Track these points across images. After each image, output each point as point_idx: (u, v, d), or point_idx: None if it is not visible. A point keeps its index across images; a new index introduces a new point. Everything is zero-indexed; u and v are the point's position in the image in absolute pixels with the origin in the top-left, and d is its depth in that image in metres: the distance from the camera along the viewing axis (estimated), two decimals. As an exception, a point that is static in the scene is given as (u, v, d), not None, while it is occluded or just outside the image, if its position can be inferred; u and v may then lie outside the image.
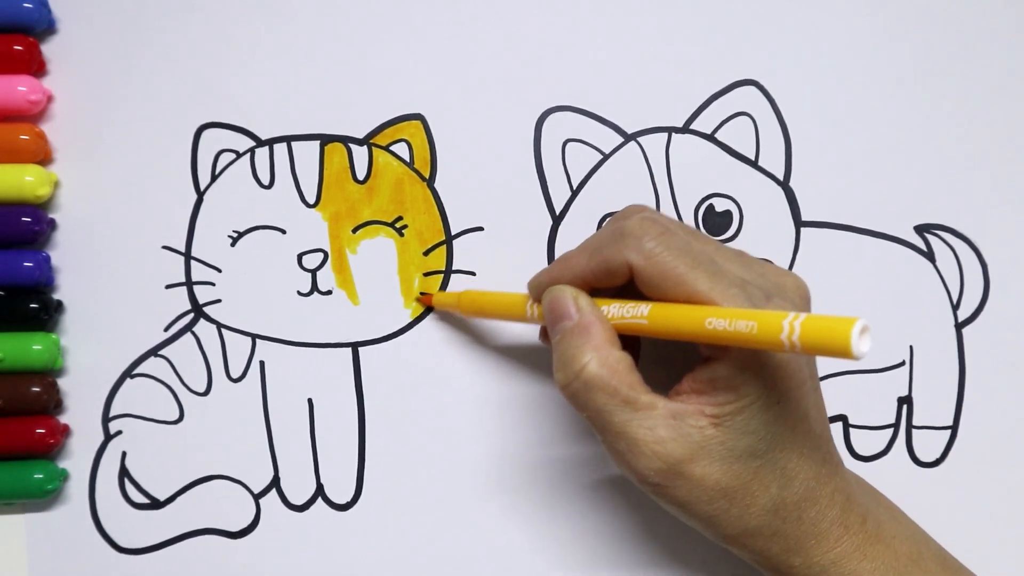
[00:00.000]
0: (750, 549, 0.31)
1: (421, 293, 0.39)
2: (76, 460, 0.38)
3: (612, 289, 0.32)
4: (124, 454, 0.38)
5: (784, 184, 0.39)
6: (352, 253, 0.38)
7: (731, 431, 0.29)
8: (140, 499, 0.38)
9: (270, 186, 0.39)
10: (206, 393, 0.38)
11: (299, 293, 0.38)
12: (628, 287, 0.31)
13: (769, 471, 0.30)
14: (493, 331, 0.39)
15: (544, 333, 0.36)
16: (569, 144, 0.39)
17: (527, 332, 0.39)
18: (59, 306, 0.38)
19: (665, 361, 0.35)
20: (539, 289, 0.33)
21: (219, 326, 0.38)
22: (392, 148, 0.39)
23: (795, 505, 0.30)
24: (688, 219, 0.39)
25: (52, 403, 0.37)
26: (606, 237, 0.31)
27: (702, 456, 0.29)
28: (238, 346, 0.38)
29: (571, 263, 0.32)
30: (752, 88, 0.39)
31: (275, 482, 0.38)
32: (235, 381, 0.38)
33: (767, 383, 0.29)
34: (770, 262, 0.33)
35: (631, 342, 0.32)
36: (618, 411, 0.30)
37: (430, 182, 0.39)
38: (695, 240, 0.31)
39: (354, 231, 0.39)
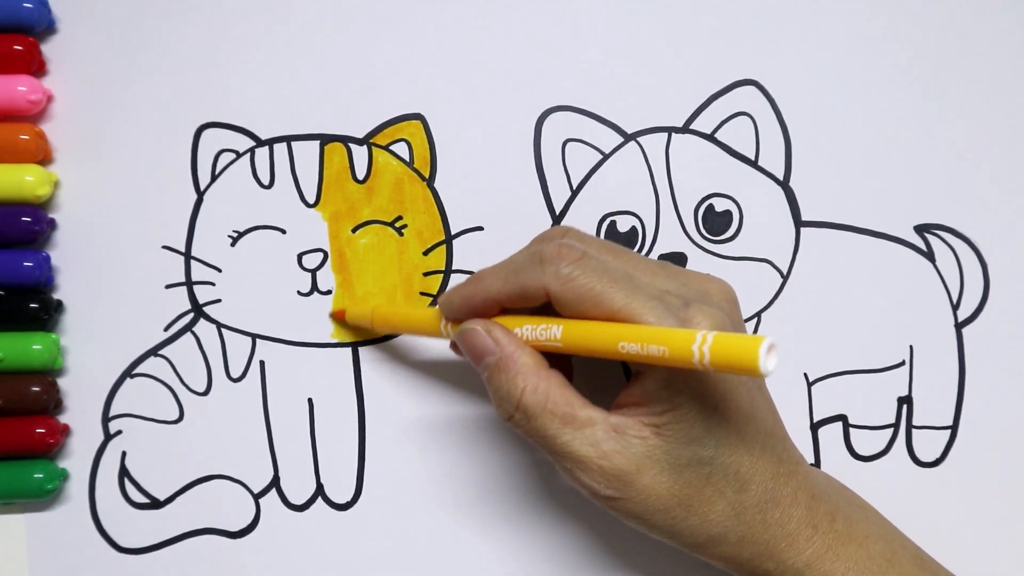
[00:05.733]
0: (719, 556, 0.31)
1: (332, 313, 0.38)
2: (76, 460, 0.38)
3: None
4: (124, 454, 0.38)
5: (784, 184, 0.39)
6: (352, 253, 0.38)
7: (673, 440, 0.29)
8: (140, 499, 0.38)
9: (270, 186, 0.39)
10: (206, 393, 0.38)
11: (299, 293, 0.38)
12: (545, 305, 0.31)
13: (721, 476, 0.30)
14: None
15: (455, 345, 0.35)
16: (569, 144, 0.39)
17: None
18: (59, 306, 0.38)
19: (603, 371, 0.35)
20: (450, 308, 0.33)
21: (219, 326, 0.38)
22: (392, 148, 0.39)
23: (756, 508, 0.30)
24: (688, 219, 0.39)
25: (52, 403, 0.37)
26: (523, 261, 0.31)
27: (649, 466, 0.29)
28: (238, 346, 0.38)
29: (485, 284, 0.32)
30: (752, 88, 0.39)
31: (275, 482, 0.38)
32: (235, 381, 0.38)
33: (701, 390, 0.29)
34: (695, 272, 0.33)
35: (561, 356, 0.32)
36: (560, 432, 0.30)
37: (430, 182, 0.39)
38: (614, 258, 0.31)
39: (354, 231, 0.39)
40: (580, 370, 0.35)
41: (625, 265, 0.31)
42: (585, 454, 0.30)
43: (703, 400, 0.29)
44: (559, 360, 0.32)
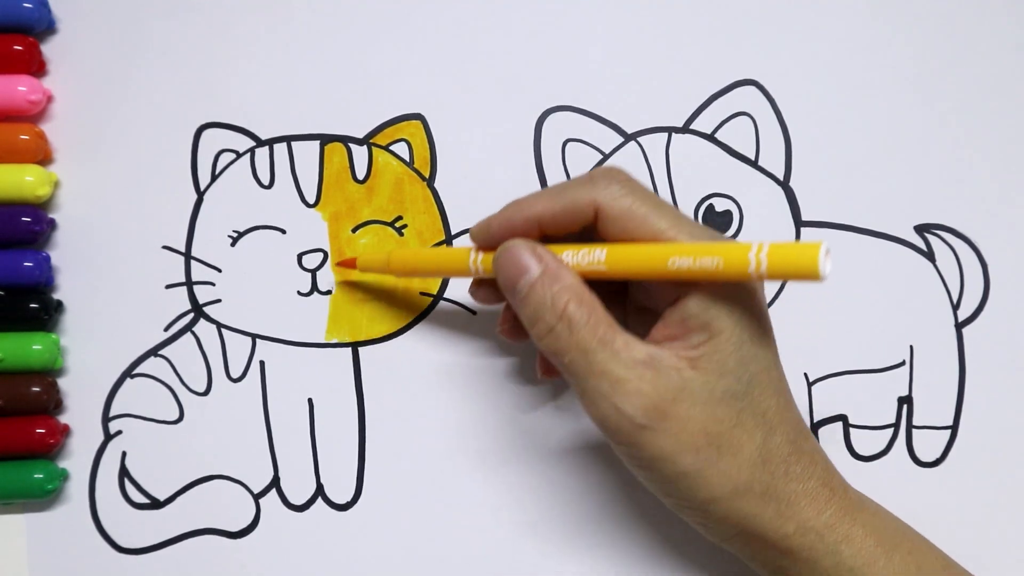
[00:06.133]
0: (741, 515, 0.30)
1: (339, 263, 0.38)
2: (76, 460, 0.38)
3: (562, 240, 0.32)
4: (124, 454, 0.38)
5: (784, 184, 0.39)
6: (352, 253, 0.38)
7: (709, 372, 0.29)
8: (140, 499, 0.38)
9: (270, 186, 0.39)
10: (206, 393, 0.38)
11: (299, 293, 0.38)
12: (579, 237, 0.31)
13: (750, 416, 0.30)
14: (492, 329, 0.39)
15: (476, 284, 0.35)
16: (569, 144, 0.39)
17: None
18: (59, 306, 0.38)
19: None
20: (487, 234, 0.32)
21: (219, 326, 0.38)
22: (392, 148, 0.39)
23: (781, 458, 0.30)
24: (688, 219, 0.39)
25: (52, 403, 0.37)
26: (571, 181, 0.32)
27: (684, 397, 0.29)
28: (238, 346, 0.38)
29: (526, 204, 0.32)
30: (752, 88, 0.39)
31: (275, 482, 0.38)
32: (235, 381, 0.38)
33: (738, 319, 0.30)
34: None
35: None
36: (600, 349, 0.29)
37: (430, 182, 0.39)
38: (658, 197, 0.32)
39: (354, 231, 0.39)
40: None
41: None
42: (623, 374, 0.29)
43: (739, 331, 0.30)
44: None
